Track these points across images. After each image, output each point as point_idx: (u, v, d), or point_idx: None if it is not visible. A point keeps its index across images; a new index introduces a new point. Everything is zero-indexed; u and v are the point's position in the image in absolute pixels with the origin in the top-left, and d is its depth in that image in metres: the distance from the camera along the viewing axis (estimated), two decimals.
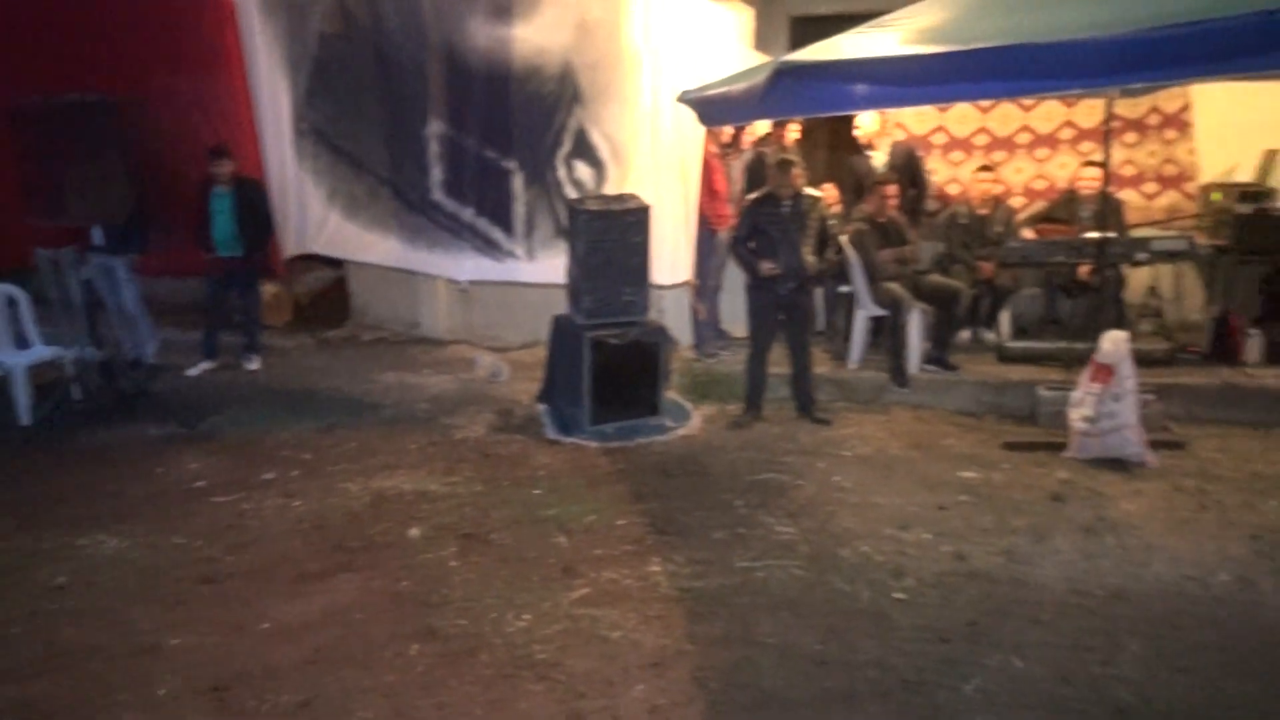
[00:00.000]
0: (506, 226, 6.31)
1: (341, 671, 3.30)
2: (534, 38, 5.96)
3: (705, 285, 6.65)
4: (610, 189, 6.05)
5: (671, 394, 6.22)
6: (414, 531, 4.42)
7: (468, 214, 6.37)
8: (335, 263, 8.21)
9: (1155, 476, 4.95)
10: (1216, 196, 6.57)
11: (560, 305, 6.06)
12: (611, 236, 5.67)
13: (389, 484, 4.99)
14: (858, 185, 6.86)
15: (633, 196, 5.83)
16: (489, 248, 6.41)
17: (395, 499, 4.80)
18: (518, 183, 6.21)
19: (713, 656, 3.35)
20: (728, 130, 6.50)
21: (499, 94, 6.10)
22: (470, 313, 7.94)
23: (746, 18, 6.69)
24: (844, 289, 6.54)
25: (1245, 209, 6.24)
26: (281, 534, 4.42)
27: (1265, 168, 6.70)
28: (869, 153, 6.89)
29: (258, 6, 6.64)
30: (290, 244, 7.11)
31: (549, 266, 6.25)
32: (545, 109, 6.05)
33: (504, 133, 6.19)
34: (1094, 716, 2.96)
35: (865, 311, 6.37)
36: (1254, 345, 6.19)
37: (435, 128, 6.25)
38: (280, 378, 7.02)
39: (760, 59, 5.68)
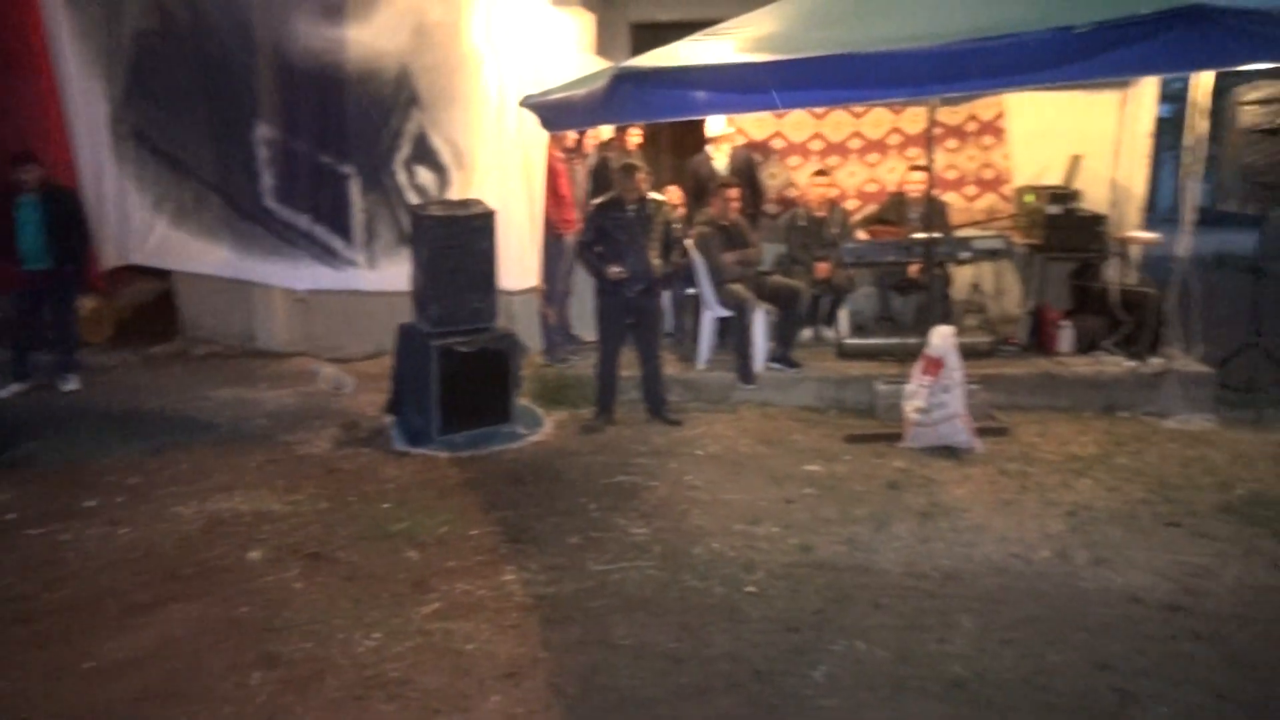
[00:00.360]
0: (345, 234, 6.11)
1: (174, 708, 3.11)
2: (368, 39, 5.80)
3: (554, 290, 6.65)
4: (454, 194, 5.96)
5: (523, 401, 6.18)
6: (254, 554, 4.22)
7: (304, 221, 6.13)
8: (161, 274, 7.75)
9: (982, 461, 5.25)
10: (1029, 198, 7.05)
11: (406, 314, 5.92)
12: (457, 242, 5.58)
13: (225, 506, 4.75)
14: (699, 188, 7.01)
15: (477, 201, 5.76)
16: (328, 256, 6.19)
17: (233, 521, 4.57)
18: (355, 188, 6.03)
19: (569, 662, 3.34)
20: (571, 135, 6.51)
21: (333, 97, 5.91)
22: (311, 323, 7.65)
23: (588, 24, 6.73)
24: (690, 291, 6.66)
25: (1055, 210, 6.70)
26: (106, 565, 4.13)
27: (1071, 172, 7.24)
28: (711, 155, 7.04)
29: (62, 2, 6.19)
30: (110, 255, 6.67)
31: (392, 274, 6.10)
32: (382, 112, 5.90)
33: (339, 137, 6.00)
34: (931, 692, 3.11)
35: (711, 313, 6.51)
36: (1066, 336, 6.66)
37: (264, 131, 6.00)
38: (102, 398, 6.57)
39: (602, 65, 5.72)
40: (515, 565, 4.09)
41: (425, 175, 6.01)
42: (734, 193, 6.57)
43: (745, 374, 6.33)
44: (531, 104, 5.34)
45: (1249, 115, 6.10)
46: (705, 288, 6.46)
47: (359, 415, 6.14)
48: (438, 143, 5.97)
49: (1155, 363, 6.23)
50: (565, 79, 5.22)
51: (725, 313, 6.44)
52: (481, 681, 3.23)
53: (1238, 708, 2.99)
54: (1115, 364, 6.34)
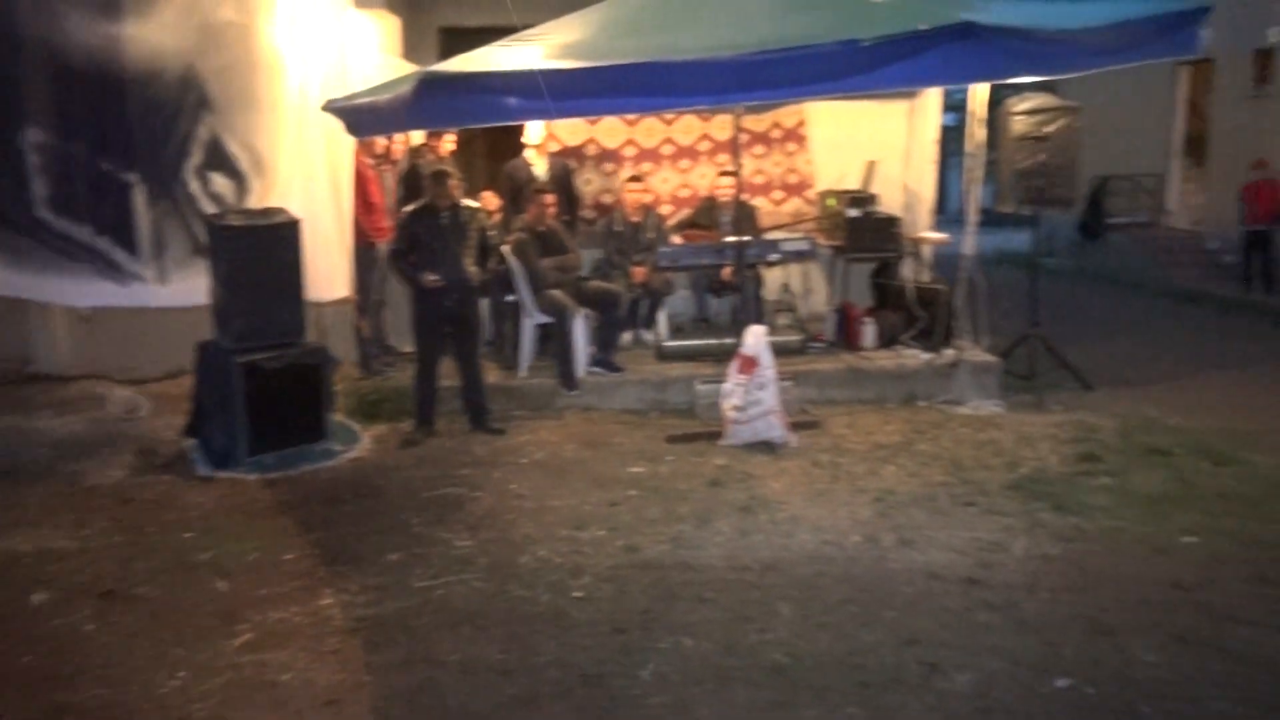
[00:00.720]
0: (131, 246, 5.66)
1: None
2: (150, 38, 5.40)
3: (367, 301, 6.44)
4: (254, 202, 5.66)
5: (338, 416, 5.95)
6: (38, 597, 3.85)
7: (85, 233, 5.63)
8: None
9: (797, 455, 5.47)
10: (831, 202, 7.41)
11: (205, 330, 5.57)
12: (259, 254, 5.31)
13: (3, 546, 4.32)
14: (517, 194, 6.97)
15: (281, 210, 5.50)
16: (112, 270, 5.71)
17: (12, 563, 4.17)
18: (141, 198, 5.60)
19: (393, 683, 3.23)
20: (381, 141, 6.34)
21: (112, 99, 5.46)
22: (98, 344, 7.06)
23: (393, 27, 6.56)
24: (509, 298, 6.60)
25: (854, 213, 7.08)
26: None
27: (867, 177, 7.66)
28: (530, 161, 7.02)
29: None
30: None
31: (187, 289, 5.71)
32: (167, 116, 5.51)
33: (121, 142, 5.55)
34: (755, 680, 3.20)
35: (531, 320, 6.48)
36: (869, 332, 7.04)
37: (34, 136, 5.48)
38: None
39: (409, 69, 5.59)
40: (333, 588, 3.92)
41: (221, 183, 5.66)
42: (550, 198, 6.57)
43: (567, 380, 6.33)
44: (335, 108, 5.16)
45: (1019, 124, 6.65)
46: (524, 294, 6.43)
47: (156, 440, 5.73)
48: (234, 148, 5.64)
49: (948, 354, 6.68)
50: (371, 83, 5.07)
51: (545, 319, 6.43)
52: (300, 712, 3.07)
53: (1028, 670, 3.23)
54: (913, 356, 6.75)
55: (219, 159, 5.64)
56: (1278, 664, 3.22)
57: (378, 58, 6.18)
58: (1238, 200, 11.33)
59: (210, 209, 5.66)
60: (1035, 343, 6.90)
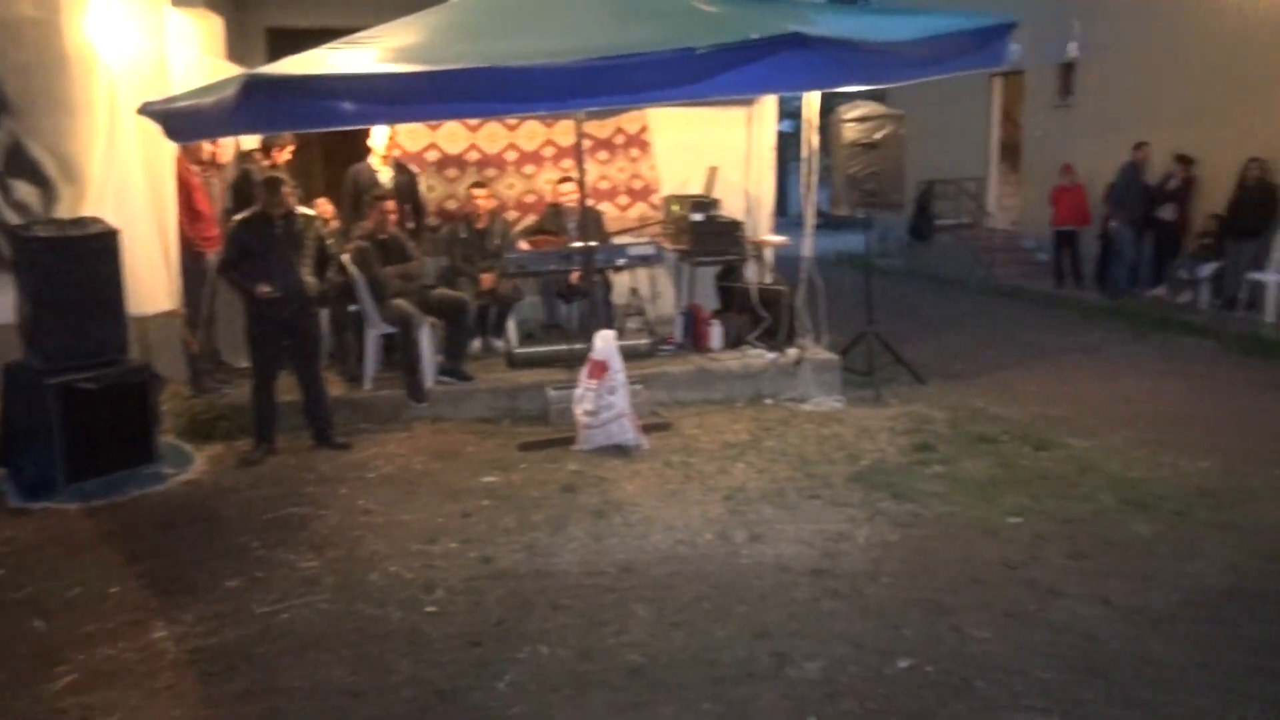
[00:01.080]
0: None
1: None
2: None
3: (197, 314, 6.10)
4: (64, 212, 5.26)
5: (167, 437, 5.61)
6: None
7: None
8: None
9: (649, 457, 5.52)
10: (676, 207, 7.53)
11: (11, 350, 5.15)
12: (71, 266, 4.94)
13: None
14: (357, 200, 6.76)
15: (96, 220, 5.14)
16: None
17: None
18: None
19: (234, 715, 3.07)
20: (206, 146, 6.02)
21: None
22: None
23: (215, 27, 6.26)
24: (352, 308, 6.40)
25: (698, 217, 7.21)
26: None
27: (710, 182, 7.83)
28: (375, 167, 6.83)
29: None
30: None
31: None
32: None
33: None
34: (612, 684, 3.21)
35: (375, 330, 6.30)
36: (716, 333, 7.19)
37: None
38: None
39: (234, 70, 5.33)
40: (166, 620, 3.69)
41: (25, 191, 5.23)
42: (391, 205, 6.41)
43: (415, 391, 6.19)
44: (152, 112, 4.87)
45: (850, 131, 6.93)
46: (366, 304, 6.24)
47: None
48: (38, 154, 5.22)
49: (792, 353, 6.89)
50: (192, 85, 4.82)
51: (389, 329, 6.26)
52: None
53: (872, 653, 3.36)
54: (759, 356, 6.93)
55: (22, 165, 5.20)
56: (1093, 633, 3.47)
57: (199, 58, 5.87)
58: (1048, 203, 12.19)
59: (14, 219, 5.22)
60: (872, 340, 7.21)
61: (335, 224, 6.58)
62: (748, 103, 7.81)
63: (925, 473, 5.20)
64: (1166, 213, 10.50)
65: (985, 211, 15.00)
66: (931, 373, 7.35)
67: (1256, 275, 9.43)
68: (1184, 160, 10.40)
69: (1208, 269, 10.02)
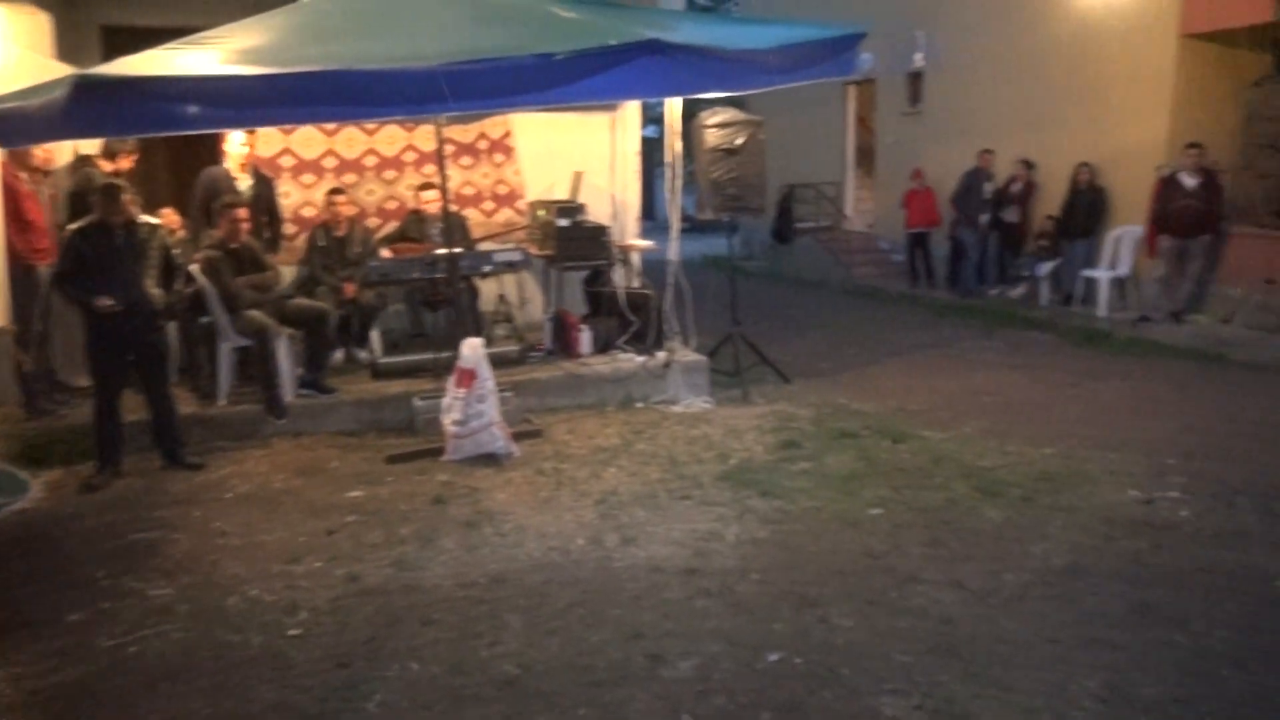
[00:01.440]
0: None
1: None
2: None
3: (29, 331, 5.70)
4: None
5: None
6: None
7: None
8: None
9: (521, 465, 5.48)
10: (542, 212, 7.50)
11: None
12: None
13: None
14: (207, 207, 6.45)
15: None
16: None
17: None
18: None
19: None
20: (37, 152, 5.64)
21: None
22: None
23: (41, 23, 5.87)
24: (204, 320, 6.10)
25: (564, 222, 7.19)
26: None
27: (575, 187, 7.83)
28: (233, 174, 6.53)
29: None
30: None
31: None
32: None
33: None
34: (486, 696, 3.16)
35: (228, 343, 6.03)
36: (585, 339, 7.19)
37: None
38: None
39: (65, 70, 5.01)
40: (1, 660, 3.43)
41: None
42: (242, 213, 6.15)
43: (274, 405, 5.95)
44: None
45: (712, 137, 7.06)
46: (219, 316, 5.96)
47: None
48: None
49: (661, 356, 6.96)
50: (16, 86, 4.50)
51: (244, 342, 6.00)
52: None
53: (744, 649, 3.42)
54: (629, 360, 6.97)
55: None
56: (949, 616, 3.63)
57: (22, 56, 5.49)
58: (901, 206, 12.73)
59: None
60: (738, 341, 7.35)
61: (181, 233, 6.26)
62: (611, 108, 7.86)
63: (791, 469, 5.33)
64: (1010, 215, 11.13)
65: (843, 215, 15.54)
66: (796, 372, 7.55)
67: (1089, 273, 10.10)
68: (1025, 164, 11.04)
69: (1046, 267, 10.66)
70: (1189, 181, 9.06)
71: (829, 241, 14.75)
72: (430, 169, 7.55)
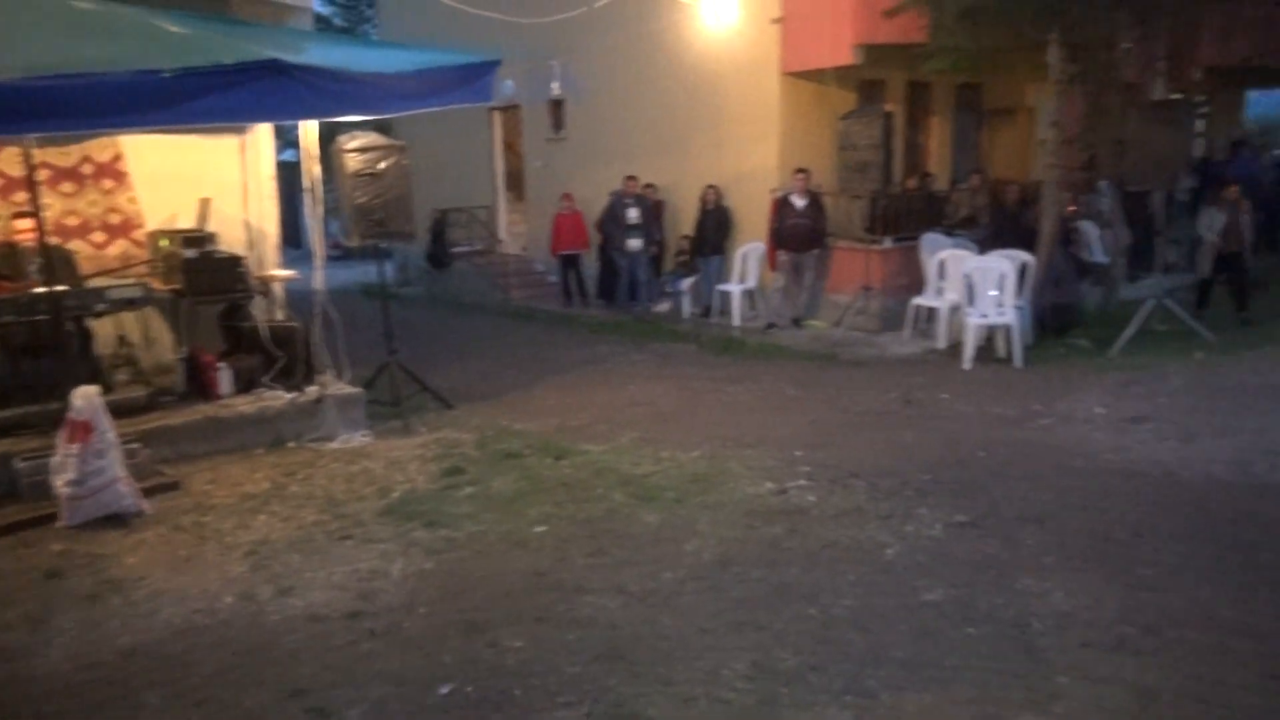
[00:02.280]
0: None
1: None
2: None
3: None
4: None
5: None
6: None
7: None
8: None
9: (155, 523, 4.95)
10: (165, 243, 6.82)
11: None
12: None
13: None
14: None
15: None
16: None
17: None
18: None
19: None
20: None
21: None
22: None
23: None
24: None
25: (191, 253, 6.59)
26: None
27: (202, 214, 7.21)
28: None
29: None
30: None
31: None
32: None
33: None
34: None
35: None
36: (225, 378, 6.63)
37: None
38: None
39: None
40: None
41: None
42: None
43: None
44: None
45: (353, 162, 6.82)
46: None
47: None
48: None
49: (311, 391, 6.60)
50: None
51: None
52: None
53: (414, 687, 3.32)
54: (276, 398, 6.53)
55: None
56: (615, 621, 3.76)
57: None
58: (551, 228, 13.10)
59: None
60: (395, 370, 7.16)
61: None
62: (240, 130, 7.32)
63: (457, 496, 5.28)
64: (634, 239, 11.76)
65: (497, 238, 15.71)
66: (458, 396, 7.50)
67: (723, 287, 11.02)
68: (648, 187, 11.84)
69: (686, 283, 11.49)
70: (799, 202, 10.22)
71: (485, 265, 14.85)
72: (22, 196, 6.60)
